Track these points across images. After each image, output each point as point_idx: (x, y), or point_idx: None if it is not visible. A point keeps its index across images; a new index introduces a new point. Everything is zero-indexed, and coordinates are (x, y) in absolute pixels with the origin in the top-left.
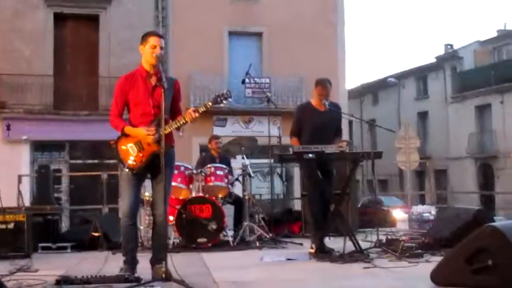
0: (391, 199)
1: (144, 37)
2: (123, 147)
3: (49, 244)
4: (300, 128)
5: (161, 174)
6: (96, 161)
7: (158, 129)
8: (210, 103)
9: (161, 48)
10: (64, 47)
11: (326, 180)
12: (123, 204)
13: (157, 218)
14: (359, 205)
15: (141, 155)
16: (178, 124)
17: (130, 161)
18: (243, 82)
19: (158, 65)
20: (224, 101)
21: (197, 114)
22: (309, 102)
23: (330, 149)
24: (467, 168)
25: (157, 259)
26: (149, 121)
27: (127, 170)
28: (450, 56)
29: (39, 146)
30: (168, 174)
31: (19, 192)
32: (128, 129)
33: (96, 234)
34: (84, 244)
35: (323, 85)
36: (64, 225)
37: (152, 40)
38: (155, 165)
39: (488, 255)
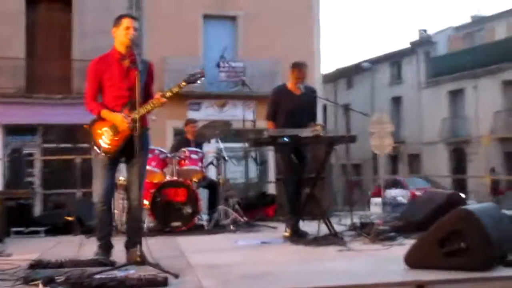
0: (413, 180)
1: (117, 20)
2: (98, 130)
3: (22, 229)
4: (275, 111)
5: (135, 158)
6: (69, 145)
7: (133, 114)
8: (183, 83)
9: (135, 29)
10: (37, 29)
11: (301, 163)
12: (98, 189)
13: (132, 202)
14: None
15: (116, 138)
16: (146, 110)
17: (106, 145)
18: (218, 65)
19: (132, 47)
20: (198, 81)
21: (164, 100)
22: (285, 85)
23: (305, 133)
24: (440, 153)
25: (132, 243)
26: (123, 103)
27: (102, 154)
28: (424, 41)
29: (11, 130)
30: (143, 158)
31: None
32: (105, 113)
33: (70, 218)
34: (58, 228)
35: (299, 68)
36: (38, 209)
37: (126, 22)
38: (130, 149)
39: (461, 238)
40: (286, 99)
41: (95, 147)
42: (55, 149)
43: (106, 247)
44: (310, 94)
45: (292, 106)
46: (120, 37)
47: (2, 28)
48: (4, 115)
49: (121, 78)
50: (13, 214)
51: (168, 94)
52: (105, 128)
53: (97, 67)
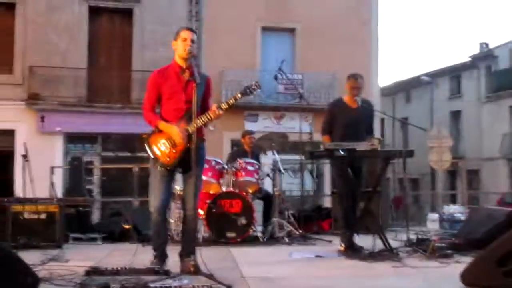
0: None
1: (177, 33)
2: (156, 142)
3: (80, 235)
4: (332, 125)
5: (192, 169)
6: (128, 154)
7: (189, 126)
8: (239, 95)
9: (192, 41)
10: (98, 40)
11: (356, 177)
12: (155, 200)
13: (187, 212)
14: None
15: (174, 151)
16: (202, 122)
17: (164, 157)
18: (276, 77)
19: (191, 60)
20: (253, 92)
21: (220, 112)
22: (341, 98)
23: (361, 146)
24: (500, 169)
25: (186, 253)
26: (181, 116)
27: (160, 166)
28: (485, 55)
29: (72, 138)
30: (199, 169)
31: (52, 183)
32: (163, 125)
33: (127, 227)
34: (114, 236)
35: (354, 78)
36: (96, 217)
37: (184, 34)
38: (187, 160)
39: None
40: (343, 112)
41: (153, 160)
42: (114, 158)
43: (161, 257)
44: (367, 107)
45: (348, 120)
46: (179, 49)
47: (65, 38)
48: (65, 124)
49: (180, 90)
50: (72, 221)
51: (224, 106)
52: (163, 141)
53: (156, 79)
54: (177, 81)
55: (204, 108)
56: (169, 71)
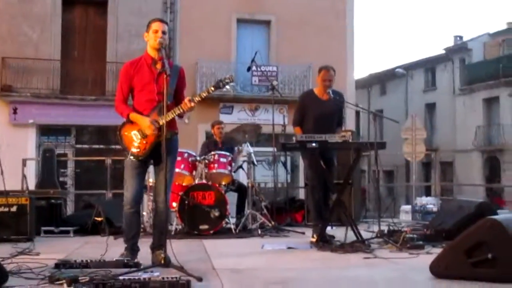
0: None
1: (148, 24)
2: (127, 133)
3: (52, 228)
4: (303, 116)
5: (163, 162)
6: (102, 146)
7: (159, 117)
8: (212, 88)
9: (164, 33)
10: (72, 31)
11: (328, 169)
12: (126, 192)
13: (158, 204)
14: None
15: (144, 142)
16: (175, 114)
17: (134, 148)
18: (249, 69)
19: (162, 51)
20: (226, 86)
21: (192, 104)
22: (312, 90)
23: (333, 138)
24: (474, 161)
25: (157, 245)
26: (152, 107)
27: (131, 157)
28: (459, 48)
29: (45, 130)
30: (170, 161)
31: (23, 175)
32: (133, 116)
33: (99, 219)
34: (87, 228)
35: (326, 69)
36: (69, 209)
37: (155, 25)
38: (158, 152)
39: (488, 248)
40: (314, 104)
41: (125, 151)
42: (88, 150)
43: (132, 249)
44: (338, 99)
45: (319, 111)
46: (150, 40)
47: (38, 29)
48: (38, 115)
49: (152, 82)
50: (43, 213)
51: (197, 98)
52: (134, 132)
53: (128, 70)
54: (149, 72)
55: (178, 99)
56: (141, 62)
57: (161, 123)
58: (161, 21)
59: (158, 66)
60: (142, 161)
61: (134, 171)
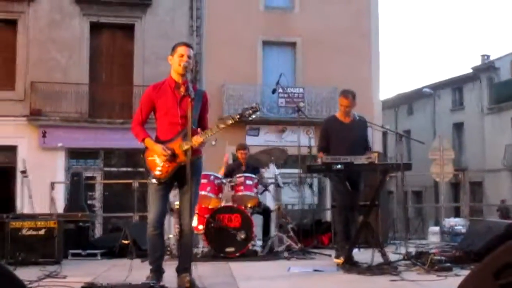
0: None
1: (173, 48)
2: (151, 157)
3: (80, 251)
4: (328, 141)
5: (187, 185)
6: (129, 169)
7: (184, 142)
8: (238, 116)
9: (189, 57)
10: (100, 55)
11: (355, 191)
12: (150, 214)
13: (183, 227)
14: None
15: (167, 165)
16: (199, 141)
17: (157, 171)
18: (274, 91)
19: (186, 75)
20: (252, 115)
21: (222, 126)
22: (334, 115)
23: (358, 160)
24: (503, 180)
25: (182, 269)
26: (177, 131)
27: (153, 180)
28: (487, 67)
29: (74, 154)
30: (194, 184)
31: (52, 199)
32: (148, 142)
33: (126, 242)
34: (114, 251)
35: (343, 96)
36: (98, 232)
37: (180, 50)
38: (182, 175)
39: None
40: (337, 128)
41: (148, 174)
42: (116, 173)
43: (156, 272)
44: (360, 121)
45: (343, 135)
46: (175, 65)
47: (67, 53)
48: (67, 139)
49: (175, 105)
50: (71, 236)
51: (222, 126)
52: (156, 155)
53: (151, 94)
54: (172, 96)
55: (201, 123)
56: (164, 86)
57: (184, 148)
58: (187, 45)
59: (182, 90)
60: (165, 183)
61: (157, 194)
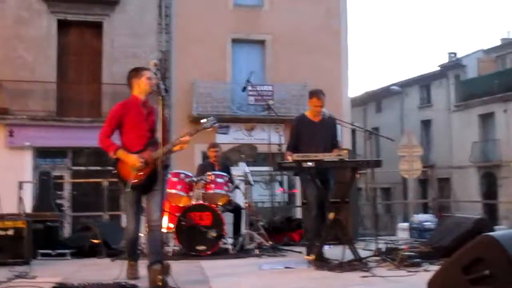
0: None
1: (138, 72)
2: (124, 167)
3: (49, 251)
4: (297, 140)
5: (156, 186)
6: (98, 168)
7: (154, 152)
8: (193, 132)
9: (152, 79)
10: (68, 53)
11: (325, 188)
12: (129, 224)
13: (152, 223)
14: None
15: (141, 173)
16: (170, 147)
17: (133, 179)
18: (244, 89)
19: (149, 94)
20: (210, 127)
21: (181, 139)
22: (304, 114)
23: (329, 157)
24: (470, 177)
25: (154, 261)
26: (144, 143)
27: (130, 189)
28: (454, 65)
29: (42, 153)
30: (163, 186)
31: (20, 198)
32: (121, 153)
33: (96, 241)
34: (84, 251)
35: (317, 97)
36: (66, 231)
37: (147, 73)
38: (151, 181)
39: (485, 265)
40: (307, 127)
41: (123, 184)
42: (85, 172)
43: (135, 259)
44: (330, 120)
45: (312, 133)
46: (143, 85)
47: (34, 51)
48: (35, 138)
49: (142, 120)
50: (40, 236)
51: (178, 141)
52: (129, 167)
53: (120, 111)
54: (138, 112)
55: (154, 135)
56: (131, 103)
57: (155, 157)
58: (149, 69)
59: (147, 106)
60: (138, 190)
61: (132, 204)
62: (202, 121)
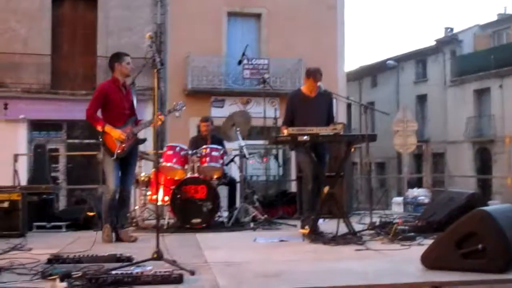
0: None
1: (120, 57)
2: (110, 139)
3: (44, 223)
4: (293, 115)
5: (133, 159)
6: (93, 140)
7: (134, 128)
8: (166, 113)
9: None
10: (62, 26)
11: (320, 162)
12: (111, 185)
13: (125, 193)
14: None
15: (123, 145)
16: (146, 124)
17: (118, 150)
18: (240, 63)
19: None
20: (178, 112)
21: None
22: (300, 89)
23: (324, 131)
24: (465, 152)
25: (122, 225)
26: (125, 120)
27: (114, 157)
28: (450, 40)
29: (36, 126)
30: (134, 160)
31: (15, 171)
32: (108, 128)
33: (91, 214)
34: (79, 223)
35: (314, 78)
36: (62, 204)
37: (127, 59)
38: (129, 153)
39: (478, 239)
40: (302, 103)
41: (108, 152)
42: (79, 145)
43: (111, 224)
44: (325, 94)
45: (308, 108)
46: (123, 69)
47: (28, 24)
48: (29, 111)
49: (123, 98)
50: (35, 209)
51: (148, 123)
52: (114, 139)
53: (106, 89)
54: (120, 91)
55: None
56: (113, 84)
57: (135, 131)
58: (129, 55)
59: (126, 86)
60: (119, 159)
61: (115, 168)
62: (174, 103)
